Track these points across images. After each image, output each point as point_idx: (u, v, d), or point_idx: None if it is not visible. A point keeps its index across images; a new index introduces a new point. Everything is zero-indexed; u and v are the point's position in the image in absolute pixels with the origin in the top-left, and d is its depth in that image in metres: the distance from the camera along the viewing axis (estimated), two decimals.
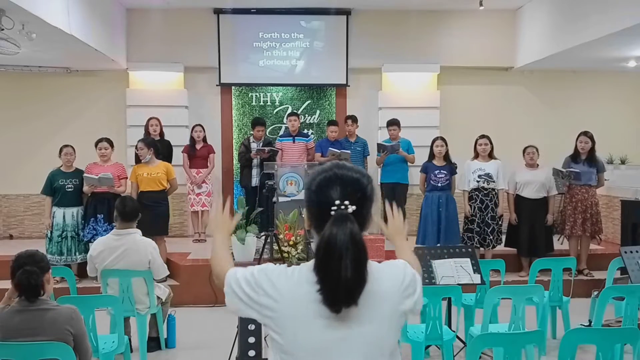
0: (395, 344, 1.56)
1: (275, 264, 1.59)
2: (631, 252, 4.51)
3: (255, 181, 7.64)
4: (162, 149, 6.92)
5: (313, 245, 1.55)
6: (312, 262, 1.49)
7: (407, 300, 1.56)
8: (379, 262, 1.60)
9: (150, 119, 7.41)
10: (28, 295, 2.75)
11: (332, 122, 7.97)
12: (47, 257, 3.00)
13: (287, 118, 8.07)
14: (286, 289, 1.50)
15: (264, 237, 5.47)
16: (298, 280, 1.50)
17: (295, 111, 8.33)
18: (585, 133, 6.49)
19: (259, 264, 1.83)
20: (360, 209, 1.49)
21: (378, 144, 7.60)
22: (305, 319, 1.47)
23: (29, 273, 2.74)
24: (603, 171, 6.58)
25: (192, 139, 7.75)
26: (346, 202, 1.47)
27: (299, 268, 1.55)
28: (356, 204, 1.48)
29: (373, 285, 1.47)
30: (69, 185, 6.23)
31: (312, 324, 1.47)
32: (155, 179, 6.22)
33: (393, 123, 7.74)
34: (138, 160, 6.71)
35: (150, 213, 5.78)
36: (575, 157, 6.51)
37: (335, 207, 1.47)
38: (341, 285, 1.40)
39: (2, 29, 5.23)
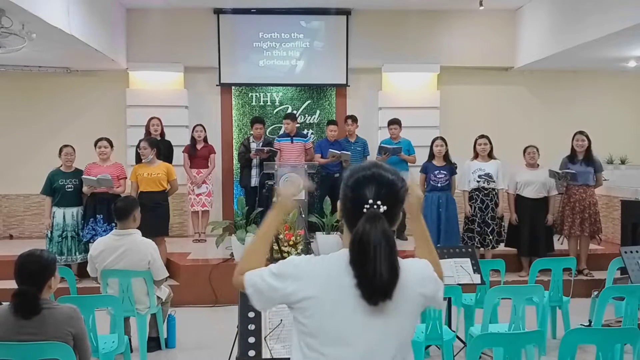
0: (413, 332, 1.66)
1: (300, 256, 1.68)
2: (631, 252, 4.51)
3: (254, 181, 7.64)
4: (163, 149, 6.91)
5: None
6: (344, 253, 1.58)
7: (424, 289, 1.64)
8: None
9: (152, 118, 7.41)
10: (24, 315, 2.72)
11: (331, 122, 7.98)
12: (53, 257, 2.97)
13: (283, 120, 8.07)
14: (319, 273, 1.58)
15: None
16: (331, 267, 1.58)
17: (291, 113, 8.27)
18: (580, 132, 6.49)
19: None
20: (391, 209, 1.58)
21: (380, 146, 7.61)
22: (339, 304, 1.54)
23: (23, 296, 2.70)
24: (601, 171, 6.57)
25: (192, 139, 7.75)
26: (379, 202, 1.56)
27: (329, 256, 1.63)
28: (388, 205, 1.57)
29: (402, 281, 1.56)
30: (69, 186, 6.23)
31: (346, 309, 1.54)
32: (156, 179, 6.22)
33: (394, 122, 7.75)
34: (138, 159, 6.70)
35: (151, 214, 5.78)
36: (572, 158, 6.51)
37: (368, 206, 1.56)
38: (377, 281, 1.50)
39: (2, 26, 5.22)
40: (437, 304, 1.73)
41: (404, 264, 1.63)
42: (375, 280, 1.50)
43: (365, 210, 1.55)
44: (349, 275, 1.53)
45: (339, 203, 1.69)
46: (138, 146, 6.46)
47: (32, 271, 2.76)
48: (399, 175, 1.63)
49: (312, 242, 6.49)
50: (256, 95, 8.78)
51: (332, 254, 1.63)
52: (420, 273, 1.66)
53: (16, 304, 2.71)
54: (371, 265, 1.50)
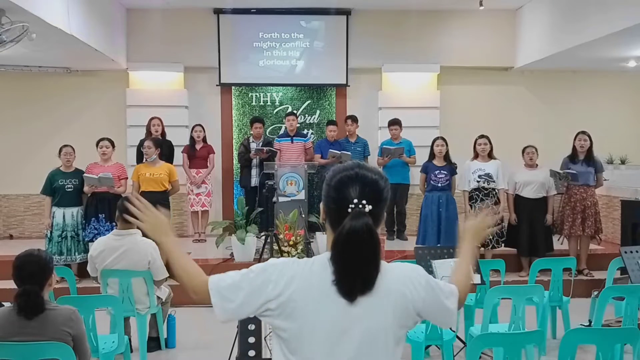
0: (399, 338, 1.60)
1: (277, 258, 1.66)
2: (631, 252, 4.50)
3: (254, 181, 7.64)
4: (163, 149, 6.90)
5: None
6: (325, 255, 1.56)
7: (405, 288, 1.59)
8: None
9: (152, 118, 7.41)
10: (28, 314, 2.72)
11: (331, 122, 7.99)
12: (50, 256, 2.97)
13: (285, 118, 8.09)
14: (298, 277, 1.55)
15: (264, 237, 5.47)
16: (311, 270, 1.57)
17: (293, 111, 8.32)
18: (583, 132, 6.50)
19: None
20: (376, 208, 1.57)
21: (383, 149, 7.62)
22: (318, 306, 1.53)
23: (27, 296, 2.70)
24: (602, 171, 6.58)
25: (192, 139, 7.75)
26: (364, 202, 1.54)
27: (311, 260, 1.61)
28: (372, 204, 1.55)
29: (384, 279, 1.54)
30: (69, 185, 6.23)
31: (325, 310, 1.52)
32: (158, 179, 6.23)
33: (395, 122, 7.75)
34: (139, 159, 6.70)
35: None
36: (573, 158, 6.51)
37: (352, 206, 1.54)
38: (358, 273, 1.50)
39: (2, 25, 5.21)
40: (439, 313, 1.65)
41: (390, 265, 1.62)
42: (356, 273, 1.49)
43: (350, 210, 1.54)
44: (329, 275, 1.52)
45: (321, 204, 1.67)
46: (142, 145, 6.45)
47: (32, 271, 2.76)
48: (382, 175, 1.62)
49: (312, 242, 6.49)
50: (256, 95, 8.78)
51: (315, 257, 1.62)
52: (404, 273, 1.62)
53: (20, 303, 2.71)
54: (353, 259, 1.49)
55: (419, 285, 1.61)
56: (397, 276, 1.60)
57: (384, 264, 1.57)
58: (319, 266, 1.56)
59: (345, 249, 1.50)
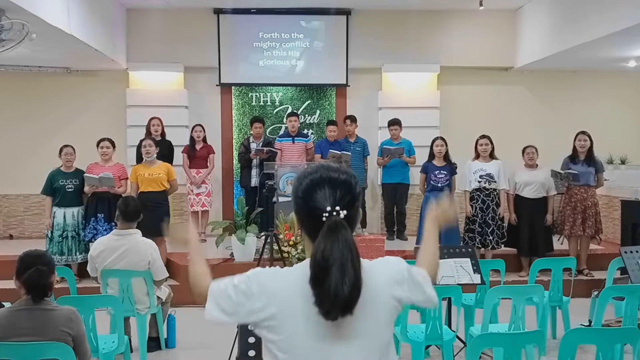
0: (390, 336, 1.55)
1: (264, 268, 1.58)
2: (631, 252, 4.51)
3: (254, 181, 7.64)
4: (163, 149, 6.90)
5: (307, 253, 1.54)
6: (306, 268, 1.46)
7: (398, 288, 1.54)
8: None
9: (152, 118, 7.41)
10: (35, 295, 2.73)
11: (331, 122, 7.98)
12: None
13: (286, 118, 8.09)
14: (282, 291, 1.49)
15: (264, 237, 5.47)
16: (294, 285, 1.48)
17: (294, 111, 8.33)
18: (583, 132, 6.50)
19: (258, 264, 1.84)
20: (350, 211, 1.48)
21: (383, 149, 7.62)
22: (302, 321, 1.46)
23: (40, 272, 2.73)
24: (602, 171, 6.58)
25: (192, 139, 7.74)
26: (337, 208, 1.45)
27: (294, 269, 1.53)
28: (347, 208, 1.47)
29: (368, 284, 1.46)
30: (69, 186, 6.23)
31: (309, 326, 1.45)
32: (156, 179, 6.22)
33: (394, 123, 7.75)
34: (139, 159, 6.70)
35: (151, 213, 5.77)
36: (573, 158, 6.51)
37: (326, 214, 1.45)
38: (338, 300, 1.39)
39: (1, 25, 5.20)
40: (423, 302, 1.60)
41: (372, 267, 1.53)
42: (337, 298, 1.38)
43: (324, 219, 1.44)
44: (310, 292, 1.43)
45: (294, 215, 1.58)
46: (142, 145, 6.45)
47: (38, 262, 2.78)
48: (349, 172, 1.53)
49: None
50: (256, 95, 8.78)
51: (297, 265, 1.53)
52: (391, 274, 1.55)
53: (31, 279, 2.71)
54: (332, 282, 1.38)
55: (403, 283, 1.55)
56: (380, 276, 1.53)
57: (365, 266, 1.48)
58: (301, 280, 1.45)
59: (322, 274, 1.40)
